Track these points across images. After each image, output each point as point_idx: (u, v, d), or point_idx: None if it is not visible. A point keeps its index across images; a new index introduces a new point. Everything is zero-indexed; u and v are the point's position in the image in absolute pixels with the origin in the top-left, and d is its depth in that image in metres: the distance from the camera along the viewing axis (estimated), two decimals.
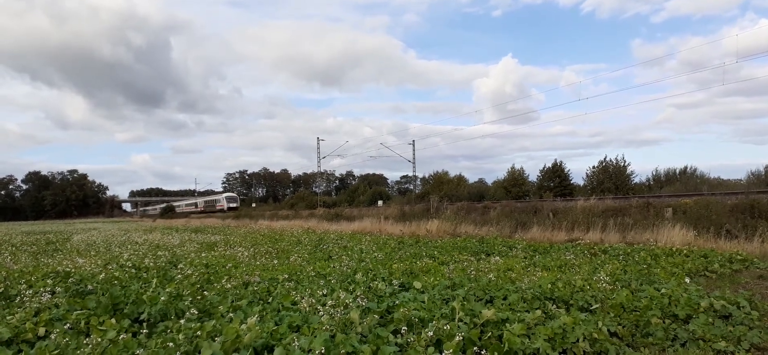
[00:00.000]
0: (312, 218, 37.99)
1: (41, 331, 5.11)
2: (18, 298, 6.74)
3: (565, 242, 15.28)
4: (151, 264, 11.06)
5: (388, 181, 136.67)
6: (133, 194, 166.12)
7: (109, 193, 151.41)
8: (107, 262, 11.87)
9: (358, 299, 5.93)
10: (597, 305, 5.95)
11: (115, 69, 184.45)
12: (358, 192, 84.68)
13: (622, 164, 45.42)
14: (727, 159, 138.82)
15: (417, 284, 7.19)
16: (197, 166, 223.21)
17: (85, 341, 4.47)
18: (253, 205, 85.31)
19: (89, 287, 7.52)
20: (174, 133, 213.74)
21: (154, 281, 7.97)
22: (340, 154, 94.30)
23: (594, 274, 8.35)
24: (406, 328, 4.67)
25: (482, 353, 4.17)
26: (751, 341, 4.79)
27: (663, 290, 6.54)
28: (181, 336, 4.53)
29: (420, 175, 78.28)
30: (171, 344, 4.37)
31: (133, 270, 9.95)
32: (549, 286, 6.79)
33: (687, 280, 7.62)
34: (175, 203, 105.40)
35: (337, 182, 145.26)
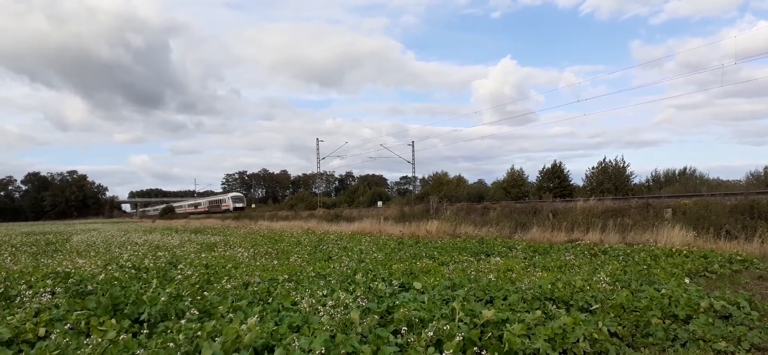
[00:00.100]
0: (312, 219, 37.97)
1: (41, 331, 5.11)
2: (18, 298, 6.73)
3: (564, 243, 15.28)
4: (151, 265, 11.05)
5: (388, 182, 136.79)
6: (132, 194, 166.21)
7: (108, 194, 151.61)
8: (107, 262, 11.87)
9: (358, 300, 5.92)
10: (597, 306, 5.95)
11: (114, 70, 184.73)
12: (357, 193, 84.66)
13: (622, 165, 45.41)
14: (726, 160, 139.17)
15: (417, 285, 7.19)
16: (196, 167, 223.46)
17: (85, 342, 4.46)
18: (253, 206, 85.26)
19: (89, 287, 7.51)
20: (173, 135, 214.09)
21: (154, 281, 7.96)
22: (339, 155, 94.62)
23: (594, 274, 8.35)
24: (406, 328, 4.67)
25: (482, 353, 4.17)
26: (751, 341, 4.80)
27: (663, 291, 6.54)
28: (181, 336, 4.53)
29: (419, 176, 78.41)
30: (171, 344, 4.37)
31: (133, 271, 9.94)
32: (549, 286, 6.79)
33: (687, 280, 7.62)
34: (177, 204, 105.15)
35: (336, 182, 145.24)
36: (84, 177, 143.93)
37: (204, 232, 31.38)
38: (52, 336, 4.70)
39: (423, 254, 12.94)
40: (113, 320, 5.26)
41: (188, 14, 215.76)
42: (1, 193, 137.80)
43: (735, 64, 54.17)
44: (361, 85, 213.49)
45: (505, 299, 6.26)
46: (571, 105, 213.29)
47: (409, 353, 4.24)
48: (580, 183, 50.32)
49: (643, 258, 10.64)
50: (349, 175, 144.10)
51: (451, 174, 68.00)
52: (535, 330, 4.73)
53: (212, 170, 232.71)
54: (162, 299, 5.94)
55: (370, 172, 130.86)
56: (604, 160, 46.65)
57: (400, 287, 7.44)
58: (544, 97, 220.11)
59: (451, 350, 4.02)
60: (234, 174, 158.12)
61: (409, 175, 65.93)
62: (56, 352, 4.34)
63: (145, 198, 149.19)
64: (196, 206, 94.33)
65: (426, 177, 72.38)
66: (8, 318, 5.53)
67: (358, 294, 6.32)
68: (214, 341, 4.31)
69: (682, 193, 29.19)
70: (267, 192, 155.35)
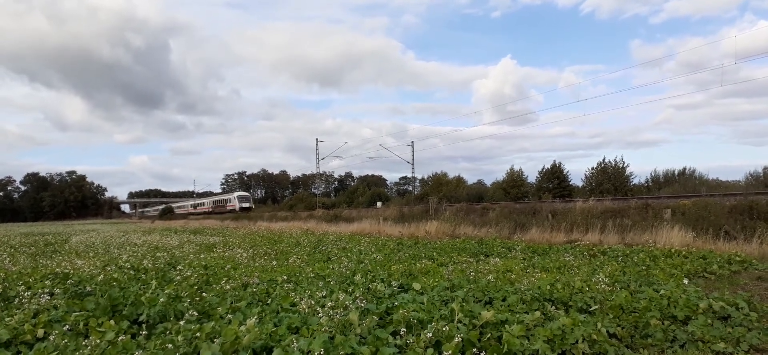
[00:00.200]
0: (311, 220, 37.97)
1: (40, 332, 5.10)
2: (17, 299, 6.73)
3: (564, 244, 15.29)
4: (150, 266, 11.04)
5: (387, 182, 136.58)
6: (131, 195, 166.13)
7: (107, 194, 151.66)
8: (106, 263, 11.85)
9: (357, 301, 5.92)
10: (596, 307, 5.96)
11: (114, 70, 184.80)
12: (357, 193, 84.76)
13: (621, 165, 45.54)
14: (725, 160, 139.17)
15: (416, 286, 7.18)
16: (196, 168, 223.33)
17: (83, 343, 4.46)
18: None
19: (88, 288, 7.51)
20: (173, 135, 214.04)
21: (153, 282, 7.95)
22: (339, 156, 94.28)
23: (593, 275, 8.35)
24: (405, 329, 4.67)
25: (481, 354, 4.17)
26: (750, 342, 4.80)
27: (662, 292, 6.56)
28: (180, 337, 4.53)
29: (419, 176, 78.44)
30: (170, 345, 4.36)
31: (132, 272, 9.94)
32: (548, 287, 6.80)
33: (686, 281, 7.62)
34: (178, 204, 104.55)
35: (336, 183, 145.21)
36: (83, 177, 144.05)
37: (203, 233, 31.37)
38: (51, 337, 4.69)
39: (422, 254, 12.94)
40: (112, 322, 5.25)
41: (189, 14, 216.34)
42: (0, 193, 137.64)
43: (735, 63, 54.09)
44: (362, 85, 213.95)
45: (504, 300, 6.26)
46: (570, 105, 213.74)
47: (408, 354, 4.24)
48: (580, 183, 50.46)
49: (642, 259, 10.65)
50: (348, 175, 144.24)
51: (451, 174, 68.24)
52: (534, 331, 4.73)
53: (212, 171, 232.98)
54: (161, 300, 5.93)
55: (370, 173, 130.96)
56: (603, 160, 46.86)
57: (399, 288, 7.44)
58: (544, 97, 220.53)
59: (450, 351, 4.02)
60: (233, 174, 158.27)
61: (409, 175, 65.94)
62: (55, 353, 4.34)
63: (144, 199, 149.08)
64: (196, 207, 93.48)
65: (425, 177, 72.56)
66: (7, 319, 5.52)
67: (357, 295, 6.32)
68: (213, 342, 4.31)
69: (682, 193, 29.24)
70: (266, 193, 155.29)
